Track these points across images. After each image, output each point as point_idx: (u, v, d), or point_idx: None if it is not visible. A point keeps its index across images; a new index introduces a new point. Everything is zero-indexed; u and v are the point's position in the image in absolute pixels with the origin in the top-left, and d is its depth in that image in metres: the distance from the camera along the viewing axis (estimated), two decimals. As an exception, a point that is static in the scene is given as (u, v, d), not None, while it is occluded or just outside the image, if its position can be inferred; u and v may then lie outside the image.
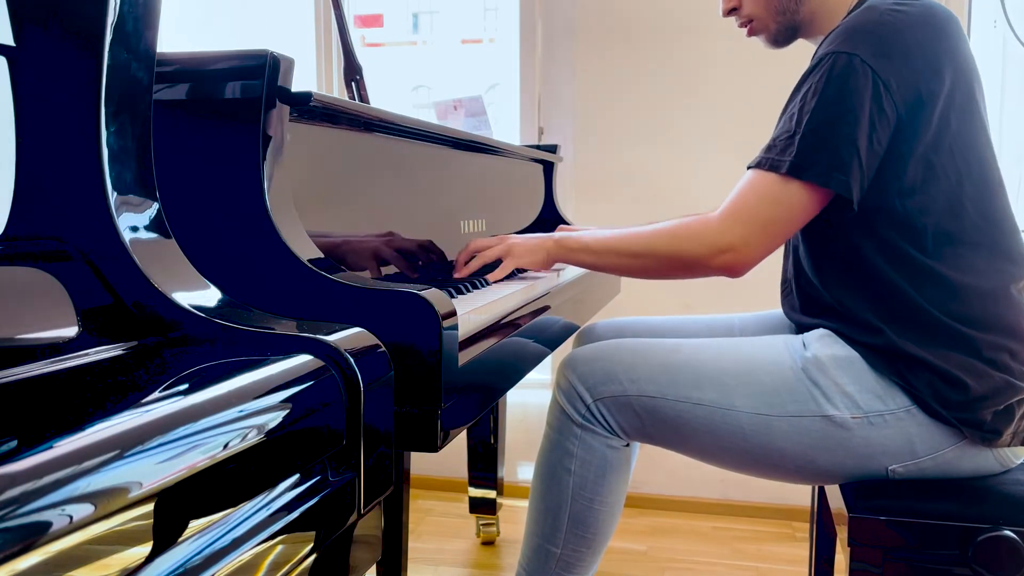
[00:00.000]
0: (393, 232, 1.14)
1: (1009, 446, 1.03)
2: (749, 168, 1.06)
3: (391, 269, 1.12)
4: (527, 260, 1.20)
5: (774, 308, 1.39)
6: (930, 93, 0.99)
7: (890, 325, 1.03)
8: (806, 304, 1.16)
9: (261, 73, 0.78)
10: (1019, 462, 1.06)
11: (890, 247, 1.03)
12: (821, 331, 1.10)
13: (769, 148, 1.03)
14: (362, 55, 1.44)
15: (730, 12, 1.21)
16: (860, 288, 1.06)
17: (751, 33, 1.22)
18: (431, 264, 1.23)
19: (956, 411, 1.00)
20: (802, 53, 1.20)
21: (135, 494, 0.40)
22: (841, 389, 1.03)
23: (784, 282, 1.23)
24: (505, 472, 2.09)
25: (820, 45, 1.09)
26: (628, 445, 1.15)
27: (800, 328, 1.18)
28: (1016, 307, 1.04)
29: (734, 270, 1.05)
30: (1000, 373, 1.01)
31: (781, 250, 1.14)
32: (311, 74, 2.40)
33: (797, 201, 1.01)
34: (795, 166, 1.00)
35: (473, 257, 1.22)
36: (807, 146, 0.99)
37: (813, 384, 1.04)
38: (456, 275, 1.22)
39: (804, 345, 1.09)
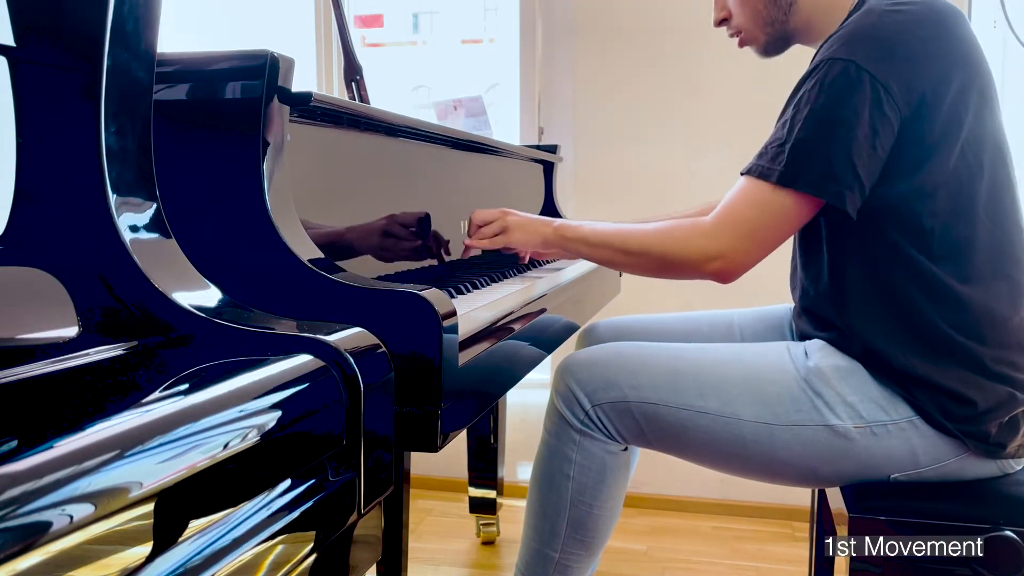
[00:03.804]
0: (395, 231, 1.14)
1: (1014, 458, 1.03)
2: (741, 175, 1.04)
3: (390, 269, 1.12)
4: (522, 240, 1.22)
5: (773, 304, 1.39)
6: (936, 92, 0.96)
7: (892, 343, 1.01)
8: (807, 315, 1.15)
9: (261, 73, 0.78)
10: (1020, 468, 1.06)
11: (897, 255, 1.01)
12: (822, 341, 1.09)
13: (760, 155, 1.02)
14: (362, 55, 1.44)
15: (721, 22, 1.21)
16: (863, 301, 1.04)
17: (742, 44, 1.21)
18: (432, 261, 1.23)
19: (961, 424, 0.99)
20: (802, 53, 1.20)
21: (135, 494, 0.40)
22: (843, 399, 1.02)
23: (792, 276, 1.22)
24: (505, 472, 2.09)
25: (819, 50, 1.07)
26: (627, 449, 1.14)
27: (802, 333, 1.17)
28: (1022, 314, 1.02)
29: (723, 276, 1.04)
30: (1004, 386, 0.99)
31: (789, 243, 1.12)
32: (311, 74, 2.40)
33: (787, 209, 1.00)
34: (785, 175, 0.98)
35: (477, 232, 1.25)
36: (798, 155, 0.97)
37: (816, 394, 1.03)
38: (463, 255, 1.28)
39: (806, 354, 1.07)
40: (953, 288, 0.99)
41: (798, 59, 1.19)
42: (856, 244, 1.04)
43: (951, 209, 0.99)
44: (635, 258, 1.10)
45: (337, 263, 0.83)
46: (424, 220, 1.23)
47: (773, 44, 1.18)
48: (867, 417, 1.01)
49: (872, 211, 1.00)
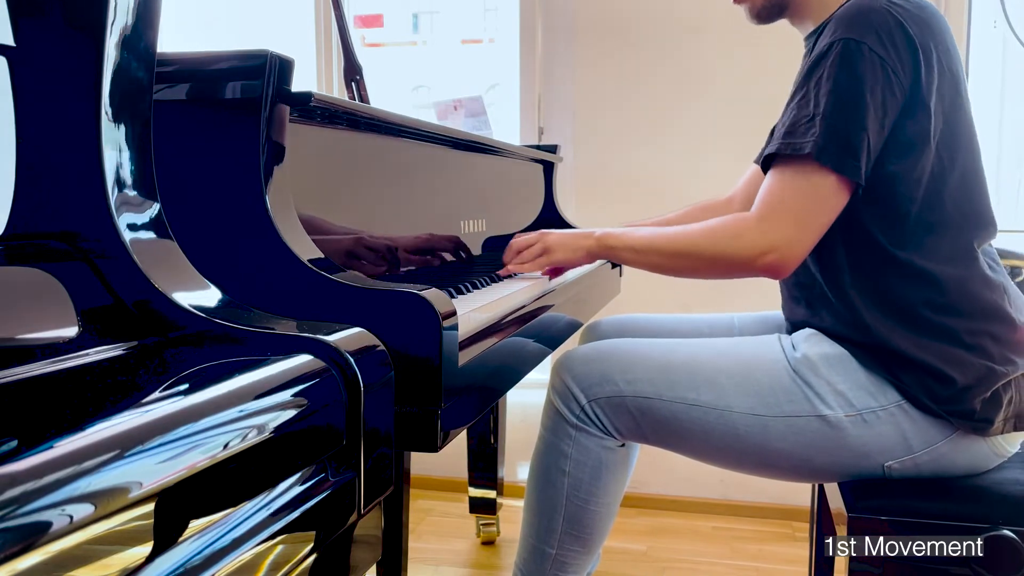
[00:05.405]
0: (396, 232, 1.14)
1: (1002, 433, 1.04)
2: (770, 162, 1.04)
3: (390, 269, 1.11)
4: (566, 258, 1.23)
5: (773, 308, 1.39)
6: (927, 82, 1.01)
7: (875, 322, 1.04)
8: (793, 301, 1.17)
9: (261, 73, 0.78)
10: (1013, 451, 1.06)
11: (867, 237, 1.04)
12: (808, 331, 1.11)
13: (788, 133, 1.02)
14: (362, 55, 1.44)
15: None
16: (845, 282, 1.07)
17: (737, 1, 1.22)
18: (436, 263, 1.23)
19: (945, 404, 1.01)
20: (803, 50, 1.20)
21: (135, 494, 0.40)
22: (833, 388, 1.04)
23: None
24: (505, 472, 2.08)
25: (820, 33, 1.08)
26: (623, 445, 1.15)
27: (792, 326, 1.18)
28: (992, 287, 1.05)
29: (778, 269, 1.03)
30: (981, 360, 1.02)
31: None
32: (311, 74, 2.40)
33: (824, 189, 1.00)
34: (818, 146, 0.99)
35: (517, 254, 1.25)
36: (827, 127, 0.99)
37: (806, 384, 1.05)
38: (502, 272, 1.27)
39: (794, 346, 1.09)
40: (921, 266, 1.02)
41: (799, 57, 1.20)
42: (838, 225, 1.05)
43: (924, 197, 1.02)
44: (685, 260, 1.10)
45: (337, 264, 0.83)
46: (424, 222, 1.23)
47: (767, 10, 1.20)
48: (857, 404, 1.03)
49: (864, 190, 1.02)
